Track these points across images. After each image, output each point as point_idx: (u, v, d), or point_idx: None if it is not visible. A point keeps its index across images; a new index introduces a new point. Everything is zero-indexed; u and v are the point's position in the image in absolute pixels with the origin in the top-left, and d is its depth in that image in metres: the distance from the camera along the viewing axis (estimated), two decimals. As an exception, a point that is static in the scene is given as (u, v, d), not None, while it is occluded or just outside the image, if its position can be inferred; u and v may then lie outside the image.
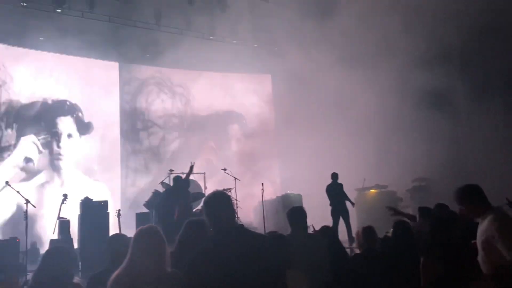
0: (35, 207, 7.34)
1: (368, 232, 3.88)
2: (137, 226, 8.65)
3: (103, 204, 8.26)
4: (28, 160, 10.97)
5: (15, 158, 10.79)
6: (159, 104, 13.74)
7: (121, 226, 7.73)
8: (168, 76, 14.00)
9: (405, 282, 3.40)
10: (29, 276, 6.52)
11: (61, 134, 11.62)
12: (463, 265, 2.68)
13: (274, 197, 11.63)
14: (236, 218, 6.93)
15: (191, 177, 10.75)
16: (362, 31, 10.57)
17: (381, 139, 11.77)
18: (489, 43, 10.36)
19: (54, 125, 11.59)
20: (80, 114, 12.04)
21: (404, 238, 3.79)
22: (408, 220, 4.41)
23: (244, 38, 12.64)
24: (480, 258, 2.78)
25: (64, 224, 7.92)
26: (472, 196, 2.96)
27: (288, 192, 11.70)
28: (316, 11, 10.89)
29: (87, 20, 10.70)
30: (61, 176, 11.47)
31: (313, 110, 13.00)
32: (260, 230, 8.96)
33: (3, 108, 10.84)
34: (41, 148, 11.20)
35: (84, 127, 12.06)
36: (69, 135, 11.76)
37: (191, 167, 8.24)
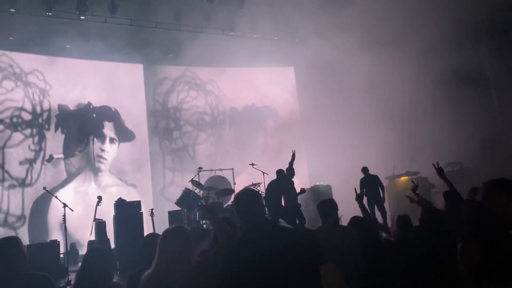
0: (72, 210, 7.59)
1: (403, 221, 3.83)
2: (170, 224, 8.83)
3: (136, 204, 8.42)
4: (68, 162, 11.44)
5: (58, 160, 11.33)
6: (185, 103, 13.93)
7: (155, 225, 7.91)
8: (193, 75, 14.15)
9: (439, 269, 3.34)
10: (71, 276, 6.79)
11: (105, 138, 12.11)
12: (504, 251, 2.61)
13: (303, 189, 11.58)
14: (266, 214, 6.99)
15: (220, 173, 10.91)
16: (385, 13, 10.26)
17: (411, 124, 11.52)
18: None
19: (99, 129, 12.13)
20: (122, 121, 12.46)
21: (433, 225, 3.71)
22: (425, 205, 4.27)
23: (264, 32, 12.59)
24: None
25: (100, 226, 8.13)
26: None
27: (317, 183, 11.61)
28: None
29: (109, 25, 10.94)
30: (98, 178, 11.88)
31: (338, 100, 12.85)
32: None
33: (46, 114, 11.39)
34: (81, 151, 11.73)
35: (126, 135, 12.51)
36: (112, 140, 12.23)
37: (293, 155, 8.21)
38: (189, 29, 11.82)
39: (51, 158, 11.23)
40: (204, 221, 9.02)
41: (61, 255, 8.32)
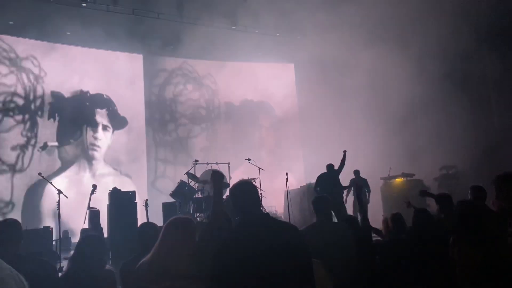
0: (67, 197, 7.57)
1: (394, 219, 3.84)
2: (163, 215, 8.83)
3: (131, 194, 8.42)
4: (62, 150, 11.40)
5: (52, 148, 11.27)
6: (183, 95, 13.91)
7: (149, 215, 7.90)
8: (193, 67, 14.12)
9: (431, 269, 3.37)
10: (63, 263, 6.79)
11: (97, 126, 12.04)
12: (500, 252, 2.63)
13: (298, 186, 11.61)
14: (262, 207, 7.03)
15: (216, 167, 10.90)
16: (387, 12, 10.23)
17: (408, 125, 11.53)
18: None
19: (91, 116, 12.04)
20: (115, 108, 12.38)
21: (425, 226, 3.75)
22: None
23: (266, 27, 12.57)
24: None
25: (94, 214, 8.13)
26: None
27: (313, 181, 11.62)
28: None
29: (111, 13, 10.87)
30: (92, 167, 11.85)
31: (336, 98, 12.86)
32: (285, 220, 8.99)
33: (39, 101, 11.29)
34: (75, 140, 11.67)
35: (119, 122, 12.42)
36: (104, 127, 12.13)
37: (344, 154, 8.81)
38: (191, 21, 11.78)
39: (45, 145, 11.18)
40: (198, 214, 9.03)
41: (53, 243, 8.33)
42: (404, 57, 10.49)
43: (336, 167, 8.80)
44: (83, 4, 10.48)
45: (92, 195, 8.10)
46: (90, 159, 11.89)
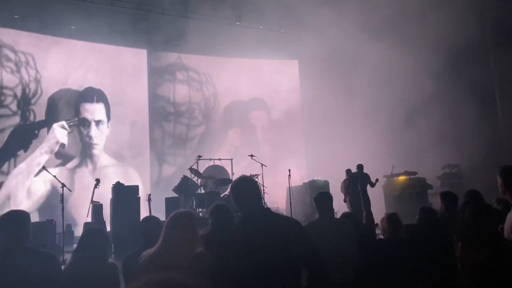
0: (70, 190, 7.61)
1: (392, 219, 3.85)
2: (166, 210, 8.86)
3: (134, 189, 8.45)
4: (61, 145, 11.40)
5: (48, 144, 11.22)
6: (187, 91, 13.91)
7: (151, 210, 7.93)
8: (196, 63, 14.11)
9: (435, 267, 3.38)
10: (66, 256, 6.84)
11: (90, 121, 11.96)
12: (503, 251, 2.63)
13: (301, 183, 11.61)
14: (263, 203, 7.04)
15: (219, 163, 10.92)
16: (392, 9, 10.17)
17: (412, 124, 11.49)
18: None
19: (83, 112, 11.95)
20: (108, 101, 12.35)
21: (430, 224, 3.75)
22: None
23: (270, 23, 12.53)
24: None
25: (97, 208, 8.16)
26: None
27: (315, 178, 11.64)
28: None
29: (116, 8, 10.87)
30: (93, 161, 11.86)
31: (340, 95, 12.83)
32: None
33: (35, 96, 11.24)
34: (70, 133, 11.61)
35: (113, 113, 12.39)
36: (99, 122, 12.09)
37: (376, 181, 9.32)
38: (196, 17, 11.76)
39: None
40: (200, 209, 9.05)
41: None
42: (408, 54, 10.44)
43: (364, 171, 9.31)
44: (88, -1, 10.49)
45: (95, 189, 8.13)
46: (89, 154, 11.85)
